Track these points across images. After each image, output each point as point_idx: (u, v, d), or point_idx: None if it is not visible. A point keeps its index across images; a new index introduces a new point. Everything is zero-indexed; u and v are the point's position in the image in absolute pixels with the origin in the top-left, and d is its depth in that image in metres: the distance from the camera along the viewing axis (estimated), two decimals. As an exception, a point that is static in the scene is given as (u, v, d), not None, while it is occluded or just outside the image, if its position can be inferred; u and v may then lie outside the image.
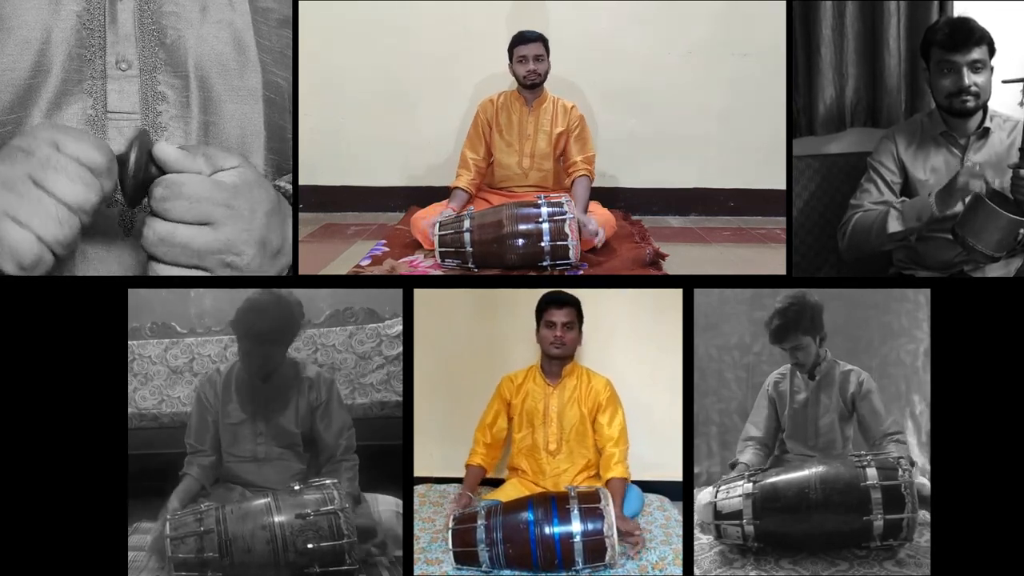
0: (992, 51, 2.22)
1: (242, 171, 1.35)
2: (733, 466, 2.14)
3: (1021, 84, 2.12)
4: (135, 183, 1.31)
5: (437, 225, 2.68)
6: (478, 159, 3.12)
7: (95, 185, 1.26)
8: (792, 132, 2.51)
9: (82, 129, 1.43)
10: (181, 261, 1.29)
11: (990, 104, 2.29)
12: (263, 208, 1.35)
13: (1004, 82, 2.19)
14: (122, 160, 1.31)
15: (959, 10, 2.56)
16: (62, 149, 1.25)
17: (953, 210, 2.16)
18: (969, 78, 2.20)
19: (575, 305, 2.20)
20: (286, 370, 2.10)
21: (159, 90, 1.48)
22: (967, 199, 2.13)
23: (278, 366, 2.08)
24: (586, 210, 2.88)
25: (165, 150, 1.31)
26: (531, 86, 3.03)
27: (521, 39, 3.02)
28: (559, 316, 2.18)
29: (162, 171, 1.31)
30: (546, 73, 3.04)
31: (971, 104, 2.23)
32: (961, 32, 2.21)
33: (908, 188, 2.33)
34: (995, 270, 2.27)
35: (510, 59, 3.03)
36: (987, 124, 2.28)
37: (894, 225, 2.22)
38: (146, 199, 1.32)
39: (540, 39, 3.01)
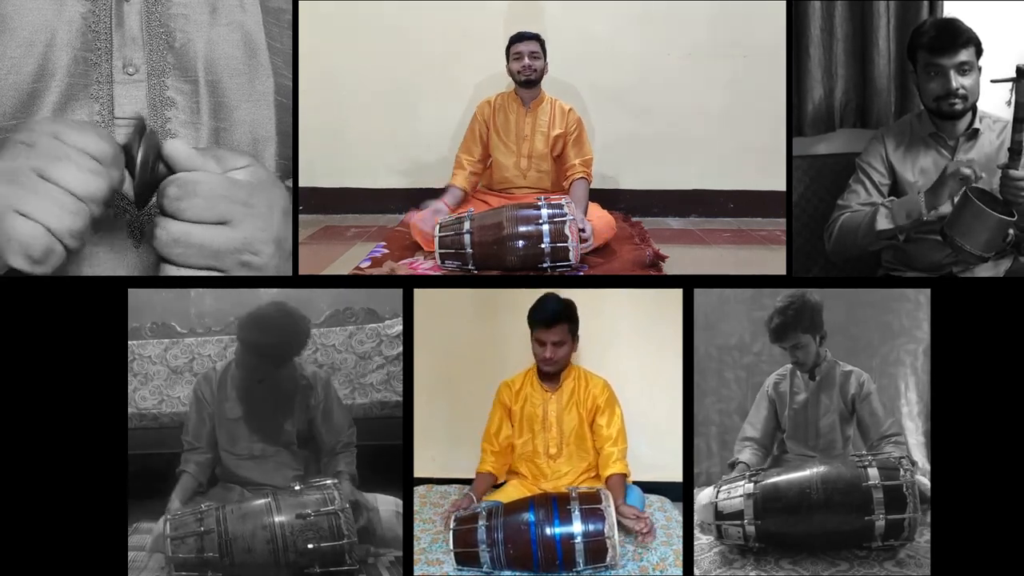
0: (979, 52, 2.20)
1: (254, 170, 1.32)
2: (732, 466, 2.14)
3: (1010, 84, 2.11)
4: (142, 183, 1.26)
5: (438, 226, 2.67)
6: (473, 160, 3.11)
7: (104, 174, 1.21)
8: (792, 133, 2.51)
9: (84, 121, 1.38)
10: (196, 263, 1.25)
11: (979, 105, 2.27)
12: (279, 206, 1.32)
13: (993, 82, 2.17)
14: (128, 155, 1.26)
15: (948, 10, 2.55)
16: (65, 140, 1.20)
17: (942, 207, 2.15)
18: (956, 81, 2.18)
19: (565, 321, 2.13)
20: (282, 369, 2.10)
21: (167, 95, 1.44)
22: (956, 199, 2.12)
23: (272, 373, 2.08)
24: (585, 212, 2.88)
25: (177, 147, 1.26)
26: (526, 83, 3.03)
27: (517, 37, 3.05)
28: (548, 336, 2.12)
29: (170, 170, 1.27)
30: (542, 72, 3.05)
31: (959, 107, 2.21)
32: (947, 34, 2.19)
33: (897, 189, 2.32)
34: (984, 271, 2.27)
35: (507, 58, 3.04)
36: (976, 125, 2.27)
37: (883, 223, 2.21)
38: (154, 199, 1.29)
39: (536, 38, 3.03)
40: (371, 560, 1.93)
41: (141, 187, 1.27)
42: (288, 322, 2.05)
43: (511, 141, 3.11)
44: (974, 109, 2.27)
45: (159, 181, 1.27)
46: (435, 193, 3.26)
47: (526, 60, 3.00)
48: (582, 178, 3.02)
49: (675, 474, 1.91)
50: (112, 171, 1.23)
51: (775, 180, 2.73)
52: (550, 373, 2.20)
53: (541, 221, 2.57)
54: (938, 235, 2.17)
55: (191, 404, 2.13)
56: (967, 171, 2.07)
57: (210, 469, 2.08)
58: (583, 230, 2.65)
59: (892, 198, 2.28)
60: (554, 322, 2.12)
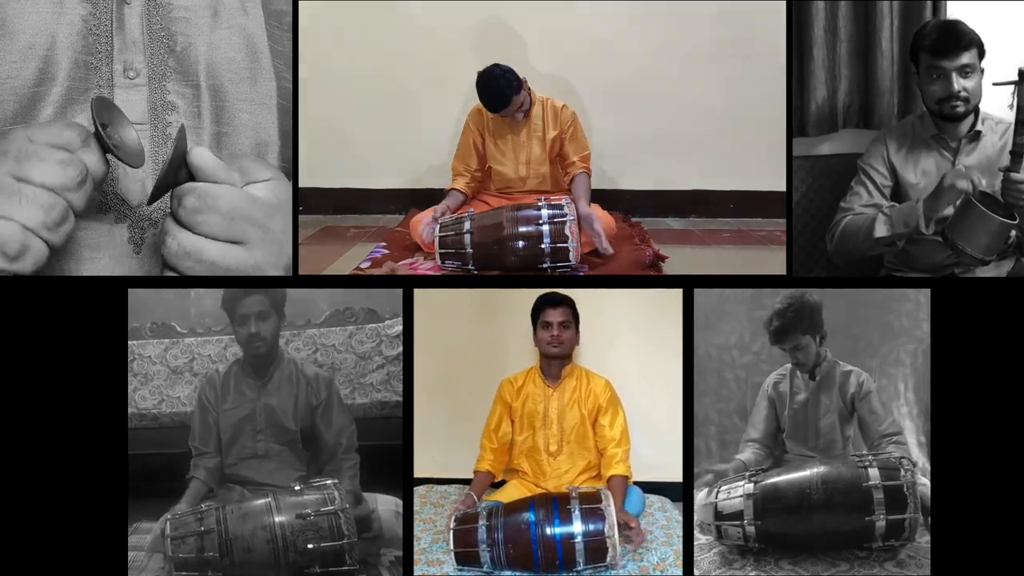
0: (982, 54, 2.19)
1: (276, 184, 1.31)
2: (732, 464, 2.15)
3: (1012, 87, 2.10)
4: (163, 181, 1.26)
5: (438, 227, 2.67)
6: (471, 170, 3.10)
7: (74, 161, 1.23)
8: (791, 133, 2.51)
9: (52, 119, 1.38)
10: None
11: (981, 106, 2.26)
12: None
13: (995, 84, 2.16)
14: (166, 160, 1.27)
15: (952, 11, 2.55)
16: (34, 139, 1.23)
17: (941, 215, 2.15)
18: (958, 83, 2.17)
19: (570, 304, 2.20)
20: (285, 368, 2.11)
21: (169, 99, 1.43)
22: (957, 202, 2.12)
23: (274, 341, 2.08)
24: (589, 205, 2.88)
25: (203, 156, 1.26)
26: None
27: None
28: (554, 316, 2.19)
29: (191, 176, 1.26)
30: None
31: (960, 109, 2.20)
32: (949, 37, 2.17)
33: (899, 191, 2.32)
34: (986, 272, 2.26)
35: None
36: (978, 127, 2.26)
37: (881, 230, 2.21)
38: (165, 201, 1.29)
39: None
40: (371, 560, 1.93)
41: (160, 185, 1.27)
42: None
43: (508, 149, 3.10)
44: (976, 111, 2.26)
45: (179, 184, 1.26)
46: (435, 193, 3.26)
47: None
48: (582, 172, 3.03)
49: (675, 474, 1.90)
50: (83, 154, 1.24)
51: (775, 180, 2.72)
52: (556, 360, 2.21)
53: (541, 221, 2.57)
54: (939, 237, 2.17)
55: (196, 409, 2.13)
56: (965, 185, 2.05)
57: (219, 473, 2.09)
58: (598, 235, 2.66)
59: (893, 203, 2.28)
60: (559, 303, 2.19)
